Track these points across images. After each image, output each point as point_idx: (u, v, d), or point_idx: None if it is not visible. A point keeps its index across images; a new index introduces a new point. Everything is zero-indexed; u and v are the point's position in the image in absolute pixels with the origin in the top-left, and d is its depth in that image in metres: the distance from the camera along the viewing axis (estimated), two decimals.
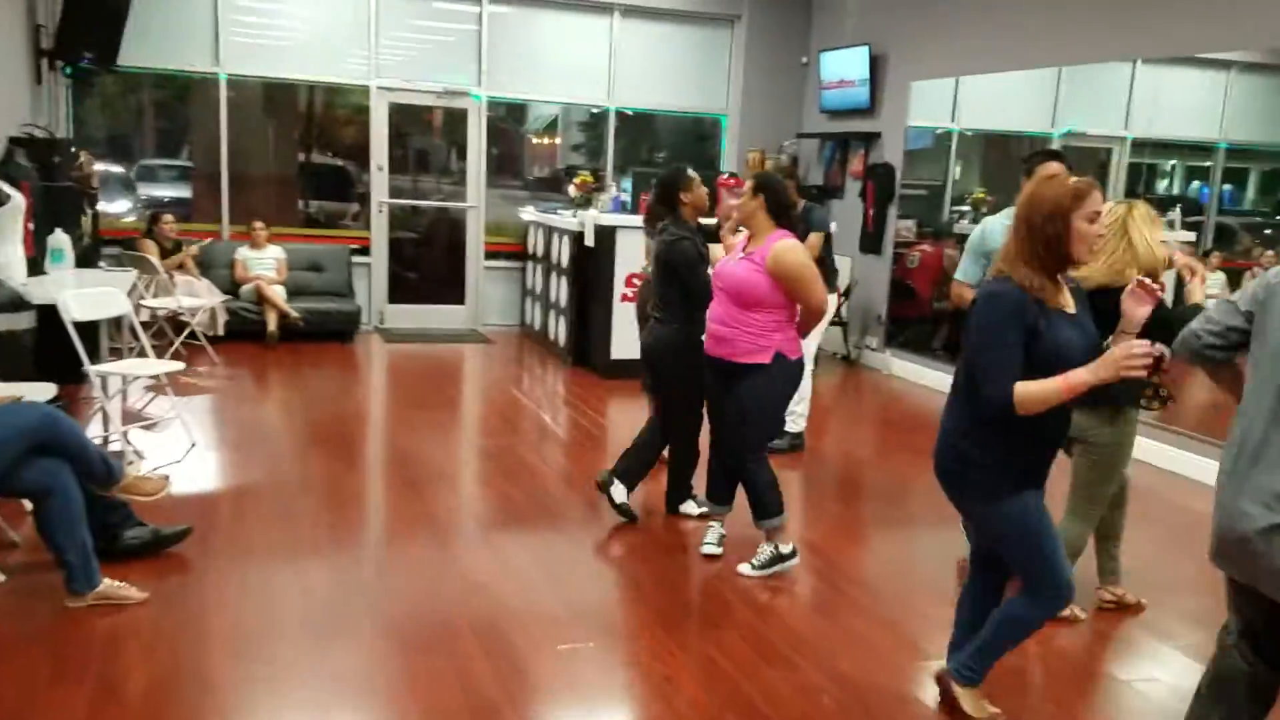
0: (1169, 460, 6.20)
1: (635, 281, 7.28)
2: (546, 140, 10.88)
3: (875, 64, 8.88)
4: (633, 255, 7.82)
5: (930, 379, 8.43)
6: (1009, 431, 2.74)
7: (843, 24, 9.32)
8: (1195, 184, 8.58)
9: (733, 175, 9.42)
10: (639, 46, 9.96)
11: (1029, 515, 2.87)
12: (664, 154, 10.91)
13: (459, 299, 9.97)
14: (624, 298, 7.82)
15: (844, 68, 9.22)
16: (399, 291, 9.79)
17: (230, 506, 4.80)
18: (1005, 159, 10.59)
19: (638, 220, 7.93)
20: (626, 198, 8.06)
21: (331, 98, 9.96)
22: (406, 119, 9.80)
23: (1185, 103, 8.06)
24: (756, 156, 9.69)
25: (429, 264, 10.20)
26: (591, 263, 8.12)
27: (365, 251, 9.55)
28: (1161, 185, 8.75)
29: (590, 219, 7.97)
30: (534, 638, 3.62)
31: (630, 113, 10.16)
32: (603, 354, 8.00)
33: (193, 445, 5.57)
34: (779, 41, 9.99)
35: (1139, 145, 8.99)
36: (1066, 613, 4.00)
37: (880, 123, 8.97)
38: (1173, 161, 9.16)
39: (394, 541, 4.57)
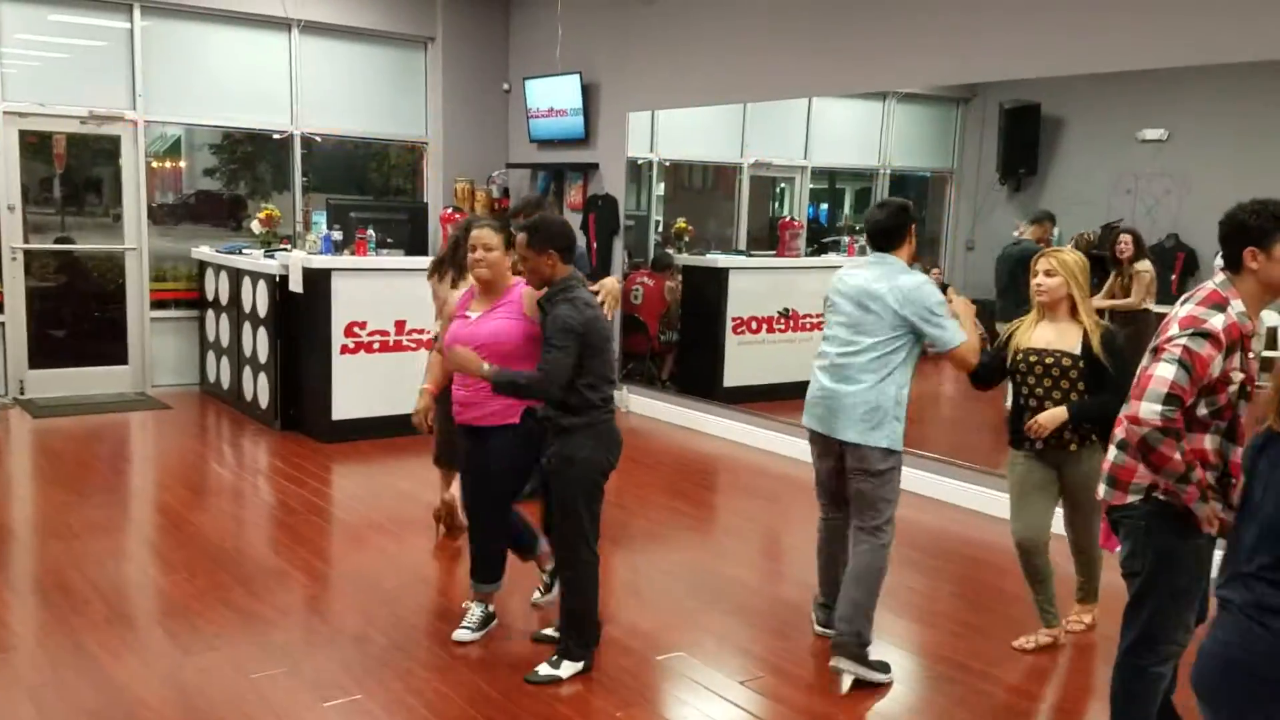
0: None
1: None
2: (169, 164, 9.47)
3: (588, 93, 8.52)
4: (352, 301, 6.89)
5: (664, 413, 8.22)
6: None
7: (546, 51, 8.87)
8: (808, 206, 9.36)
9: (457, 210, 8.74)
10: (325, 67, 8.97)
11: None
12: (358, 183, 9.93)
13: (120, 358, 8.45)
14: (345, 349, 6.87)
15: (553, 96, 8.78)
16: (43, 354, 8.14)
17: None
18: (701, 190, 10.71)
19: (356, 261, 6.99)
20: (338, 235, 7.05)
21: None
22: (43, 149, 8.17)
23: (853, 132, 8.60)
24: (465, 187, 9.03)
25: (80, 319, 8.56)
26: (300, 311, 7.06)
27: None
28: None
29: (297, 261, 6.93)
30: None
31: (319, 139, 9.11)
32: (321, 416, 6.96)
33: None
34: (478, 67, 9.37)
35: (818, 173, 9.49)
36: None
37: (598, 153, 8.61)
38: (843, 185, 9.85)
39: None
